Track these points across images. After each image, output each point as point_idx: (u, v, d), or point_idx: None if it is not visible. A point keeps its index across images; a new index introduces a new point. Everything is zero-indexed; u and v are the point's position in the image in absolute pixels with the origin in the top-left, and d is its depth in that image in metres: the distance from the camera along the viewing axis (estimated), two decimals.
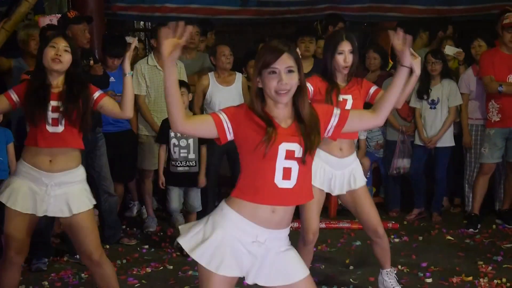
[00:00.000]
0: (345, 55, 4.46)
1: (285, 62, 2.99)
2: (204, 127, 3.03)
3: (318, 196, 4.50)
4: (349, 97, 4.52)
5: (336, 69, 4.51)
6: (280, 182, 3.02)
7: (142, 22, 11.27)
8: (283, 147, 3.00)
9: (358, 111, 3.29)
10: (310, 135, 3.03)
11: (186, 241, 3.08)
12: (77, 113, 4.07)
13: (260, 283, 3.10)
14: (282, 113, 3.07)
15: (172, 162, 5.90)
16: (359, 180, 4.62)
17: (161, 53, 2.84)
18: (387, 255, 4.83)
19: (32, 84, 4.12)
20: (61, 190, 4.09)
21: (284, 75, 2.97)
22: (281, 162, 3.01)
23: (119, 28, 9.06)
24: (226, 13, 8.50)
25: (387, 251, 4.82)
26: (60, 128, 4.05)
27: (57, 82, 4.13)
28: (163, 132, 5.94)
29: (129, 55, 4.30)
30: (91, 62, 5.97)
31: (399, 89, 3.18)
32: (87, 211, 4.17)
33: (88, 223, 4.17)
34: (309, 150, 3.02)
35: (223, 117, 3.03)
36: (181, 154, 5.87)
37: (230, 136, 3.05)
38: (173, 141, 5.87)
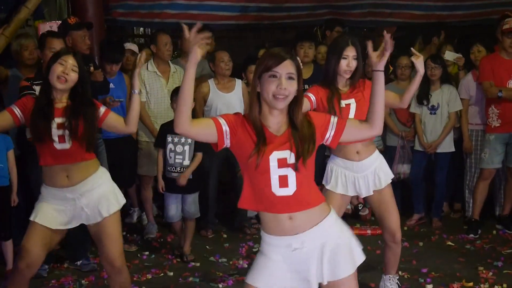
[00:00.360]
0: (348, 60, 4.47)
1: (286, 67, 3.01)
2: (206, 131, 3.06)
3: (339, 202, 4.56)
4: (352, 101, 4.51)
5: (338, 73, 4.51)
6: (277, 190, 3.04)
7: (141, 28, 11.27)
8: (274, 157, 3.02)
9: (356, 121, 3.29)
10: (303, 142, 3.04)
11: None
12: (82, 129, 4.07)
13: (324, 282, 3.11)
14: (276, 120, 3.09)
15: (168, 168, 5.90)
16: (384, 179, 4.63)
17: (192, 55, 2.92)
18: (395, 262, 4.86)
19: (38, 102, 4.11)
20: (89, 198, 4.12)
21: (284, 80, 2.99)
22: (275, 171, 3.03)
23: (118, 34, 9.06)
24: (226, 19, 8.51)
25: (397, 258, 4.85)
26: (67, 145, 4.06)
27: (61, 97, 4.13)
28: (162, 137, 5.94)
29: (138, 72, 4.31)
30: (91, 68, 5.97)
31: (382, 95, 3.17)
32: (114, 215, 4.20)
33: (115, 229, 4.21)
34: (301, 157, 3.02)
35: (223, 122, 3.06)
36: (177, 160, 5.85)
37: (227, 142, 3.07)
38: (170, 146, 5.87)
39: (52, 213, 4.10)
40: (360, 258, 3.20)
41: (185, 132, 3.03)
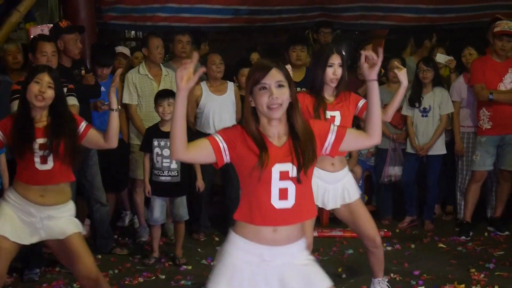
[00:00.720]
0: (334, 68, 4.49)
1: (274, 77, 2.99)
2: (203, 153, 3.03)
3: None
4: (337, 114, 4.52)
5: (325, 82, 4.52)
6: (277, 203, 3.01)
7: (133, 31, 11.26)
8: (277, 169, 3.00)
9: (355, 130, 3.27)
10: (304, 152, 3.02)
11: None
12: (64, 147, 4.06)
13: None
14: (276, 130, 3.06)
15: (155, 172, 5.89)
16: (353, 193, 4.64)
17: (176, 84, 2.88)
18: (381, 265, 4.85)
19: (17, 121, 4.10)
20: (50, 222, 4.10)
21: (274, 90, 2.97)
22: (276, 184, 3.00)
23: (110, 37, 9.05)
24: (218, 22, 8.50)
25: (382, 261, 4.83)
26: (49, 165, 4.06)
27: (40, 116, 4.12)
28: (147, 141, 5.93)
29: (113, 90, 4.26)
30: (83, 72, 5.97)
31: (378, 104, 3.14)
32: (76, 233, 4.16)
33: (79, 243, 4.17)
34: (303, 168, 3.00)
35: (219, 139, 3.03)
36: (164, 164, 5.84)
37: (226, 159, 3.04)
38: (156, 150, 5.86)
39: (15, 222, 4.06)
40: (329, 280, 3.16)
41: (181, 158, 3.01)
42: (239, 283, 3.02)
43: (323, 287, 3.10)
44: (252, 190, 3.03)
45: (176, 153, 2.98)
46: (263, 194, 3.01)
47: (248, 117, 3.06)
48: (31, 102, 4.07)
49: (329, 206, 4.63)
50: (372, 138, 3.16)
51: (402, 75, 4.25)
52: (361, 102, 4.61)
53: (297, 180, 3.00)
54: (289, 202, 3.02)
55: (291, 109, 3.05)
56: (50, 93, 4.06)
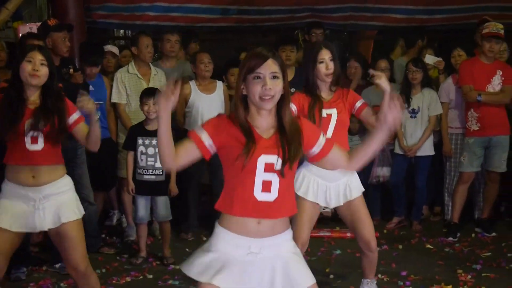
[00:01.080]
0: (326, 63, 4.46)
1: (270, 67, 2.97)
2: (190, 155, 3.02)
3: (310, 209, 4.55)
4: (333, 111, 4.50)
5: (320, 79, 4.50)
6: (259, 194, 3.00)
7: (122, 30, 11.25)
8: (262, 160, 2.98)
9: (339, 151, 3.18)
10: (291, 146, 3.00)
11: (188, 269, 3.08)
12: (51, 127, 4.03)
13: None
14: (265, 122, 3.05)
15: (139, 170, 5.87)
16: (355, 190, 4.60)
17: (158, 105, 2.91)
18: (373, 268, 4.84)
19: (7, 97, 4.06)
20: (50, 202, 4.06)
21: (268, 80, 2.95)
22: (261, 175, 2.99)
23: (99, 36, 9.03)
24: (207, 21, 8.50)
25: (374, 265, 4.82)
26: (39, 146, 4.02)
27: (34, 98, 4.09)
28: (131, 139, 5.91)
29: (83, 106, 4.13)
30: (71, 70, 5.95)
31: (375, 147, 3.07)
32: (75, 221, 4.13)
33: (76, 233, 4.13)
34: (288, 162, 2.99)
35: (204, 135, 3.01)
36: (148, 162, 5.83)
37: (212, 151, 3.04)
38: (141, 148, 5.84)
39: (14, 212, 4.03)
40: (312, 277, 3.13)
41: (173, 168, 3.05)
42: (230, 277, 3.00)
43: (305, 285, 3.08)
44: (235, 180, 3.01)
45: (167, 163, 3.00)
46: (246, 184, 2.99)
47: (238, 104, 3.04)
48: (25, 81, 4.04)
49: (332, 204, 4.61)
50: (351, 166, 3.15)
51: (383, 82, 4.11)
52: (359, 103, 4.59)
53: (281, 173, 2.99)
54: (272, 195, 3.01)
55: (282, 102, 3.03)
56: (44, 70, 4.05)
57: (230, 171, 3.04)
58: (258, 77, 2.97)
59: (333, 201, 4.59)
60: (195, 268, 3.05)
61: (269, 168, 2.99)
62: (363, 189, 4.68)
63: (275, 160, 2.99)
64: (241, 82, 3.03)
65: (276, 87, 2.97)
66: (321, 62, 4.47)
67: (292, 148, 3.01)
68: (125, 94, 6.67)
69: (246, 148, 2.96)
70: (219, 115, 3.14)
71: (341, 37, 10.11)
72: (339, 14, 8.74)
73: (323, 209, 6.83)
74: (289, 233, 3.14)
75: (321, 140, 3.13)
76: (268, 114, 3.04)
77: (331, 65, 4.47)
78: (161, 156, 2.98)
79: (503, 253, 6.18)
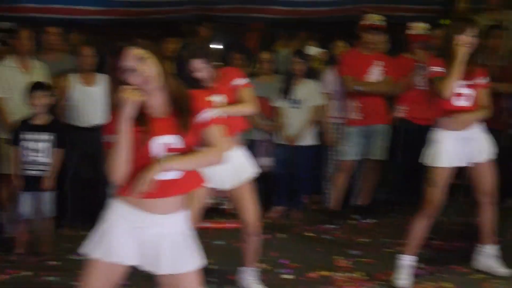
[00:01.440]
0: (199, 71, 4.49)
1: (128, 55, 2.95)
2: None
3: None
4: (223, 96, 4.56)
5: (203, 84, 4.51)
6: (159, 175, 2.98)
7: None
8: (157, 141, 2.98)
9: (213, 136, 3.14)
10: (186, 123, 3.01)
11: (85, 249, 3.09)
12: None
13: (156, 272, 3.08)
14: (158, 100, 3.03)
15: (22, 166, 5.75)
16: (246, 170, 4.69)
17: (124, 112, 2.89)
18: (255, 254, 4.90)
19: None
20: None
21: (135, 66, 2.94)
22: (159, 156, 2.99)
23: None
24: (91, 14, 8.30)
25: (255, 251, 4.88)
26: None
27: None
28: (16, 134, 5.78)
29: None
30: None
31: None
32: None
33: None
34: (183, 134, 3.00)
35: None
36: (31, 158, 5.72)
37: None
38: (24, 143, 5.71)
39: None
40: (202, 260, 3.17)
41: (119, 180, 2.99)
42: (109, 243, 3.01)
43: (187, 268, 3.09)
44: (137, 165, 2.98)
45: (118, 177, 2.97)
46: (144, 167, 2.95)
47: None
48: None
49: (227, 186, 4.65)
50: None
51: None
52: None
53: (180, 150, 3.00)
54: (171, 174, 3.00)
55: (166, 78, 3.03)
56: None
57: (131, 156, 3.01)
58: (126, 70, 2.96)
59: (227, 183, 4.63)
60: (89, 246, 3.07)
61: (166, 148, 2.99)
62: (254, 172, 4.76)
63: (172, 139, 3.01)
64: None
65: (144, 67, 2.95)
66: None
67: (188, 125, 3.02)
68: (4, 88, 6.47)
69: (141, 135, 2.96)
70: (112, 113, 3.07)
71: (229, 28, 10.11)
72: (225, 6, 8.73)
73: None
74: (182, 215, 3.13)
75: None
76: (158, 91, 3.03)
77: (205, 72, 4.48)
78: (114, 167, 2.94)
79: (380, 239, 6.34)
